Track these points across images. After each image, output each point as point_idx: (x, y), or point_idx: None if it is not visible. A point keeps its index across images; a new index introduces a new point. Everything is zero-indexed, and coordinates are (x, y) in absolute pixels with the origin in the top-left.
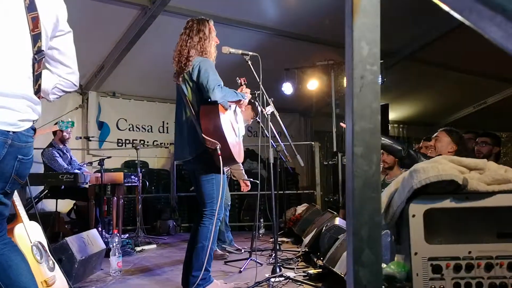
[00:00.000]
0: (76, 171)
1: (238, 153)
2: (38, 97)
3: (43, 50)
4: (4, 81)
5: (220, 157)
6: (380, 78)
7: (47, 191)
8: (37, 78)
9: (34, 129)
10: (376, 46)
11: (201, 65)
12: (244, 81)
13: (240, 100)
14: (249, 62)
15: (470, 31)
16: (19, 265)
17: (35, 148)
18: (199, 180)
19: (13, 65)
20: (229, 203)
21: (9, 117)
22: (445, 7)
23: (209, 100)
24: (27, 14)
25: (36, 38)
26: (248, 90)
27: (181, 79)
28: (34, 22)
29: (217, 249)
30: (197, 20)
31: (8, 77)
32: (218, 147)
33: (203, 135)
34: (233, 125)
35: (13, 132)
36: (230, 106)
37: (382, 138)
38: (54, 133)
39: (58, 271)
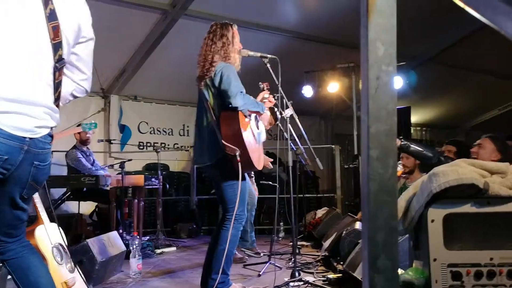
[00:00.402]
0: (101, 172)
1: (258, 159)
2: (57, 105)
3: (64, 58)
4: (23, 88)
5: (239, 163)
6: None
7: (69, 193)
8: (57, 86)
9: (51, 136)
10: (392, 47)
11: (224, 71)
12: (266, 86)
13: (260, 112)
14: (268, 65)
15: (494, 32)
16: (37, 267)
17: (59, 151)
18: (220, 185)
19: (32, 73)
20: (255, 202)
21: (25, 123)
22: (460, 4)
23: (230, 106)
24: (47, 23)
25: (56, 46)
26: (271, 97)
27: (203, 84)
28: (55, 31)
29: (237, 253)
30: (220, 24)
31: (27, 85)
32: (237, 154)
33: (223, 141)
34: (254, 131)
35: (30, 138)
36: (250, 115)
37: (412, 145)
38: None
39: (78, 273)
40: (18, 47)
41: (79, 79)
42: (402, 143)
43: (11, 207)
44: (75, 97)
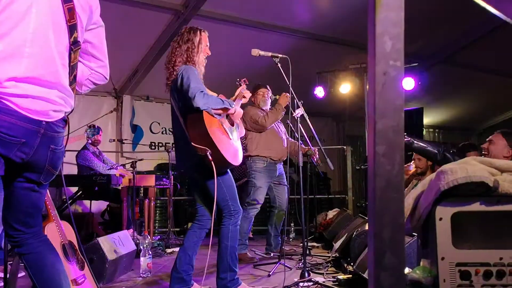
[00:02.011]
0: (113, 171)
1: (234, 155)
2: (73, 88)
3: (79, 41)
4: (40, 70)
5: (212, 162)
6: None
7: (81, 192)
8: (72, 68)
9: (65, 121)
10: (399, 41)
11: (184, 73)
12: (244, 82)
13: (227, 109)
14: (279, 65)
15: (508, 33)
16: (54, 264)
17: (70, 150)
18: (205, 188)
19: (49, 55)
20: (284, 208)
21: (42, 106)
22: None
23: (193, 107)
24: (63, 5)
25: (72, 28)
26: (247, 92)
27: (169, 88)
28: (70, 13)
29: (247, 253)
30: (189, 28)
31: (44, 67)
32: (208, 153)
33: (192, 143)
34: (226, 127)
35: (46, 122)
36: (221, 114)
37: (415, 141)
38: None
39: (87, 271)
40: (35, 28)
41: (96, 67)
42: (406, 139)
43: (28, 194)
44: (95, 84)
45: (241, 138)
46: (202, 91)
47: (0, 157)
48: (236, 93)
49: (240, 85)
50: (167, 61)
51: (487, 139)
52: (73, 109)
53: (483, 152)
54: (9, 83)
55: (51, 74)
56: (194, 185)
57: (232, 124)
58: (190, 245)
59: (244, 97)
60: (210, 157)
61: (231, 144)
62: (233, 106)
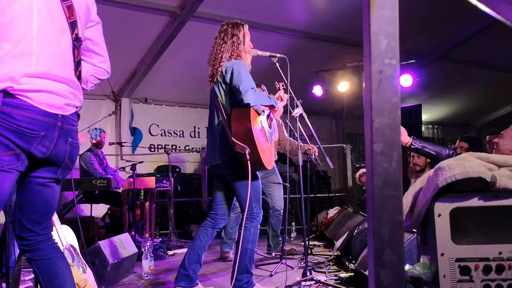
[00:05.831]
0: (110, 176)
1: (269, 159)
2: (80, 83)
3: (80, 37)
4: (49, 65)
5: (248, 162)
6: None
7: (81, 196)
8: (77, 64)
9: (78, 115)
10: (394, 39)
11: (234, 67)
12: (282, 85)
13: (273, 106)
14: (277, 64)
15: (505, 28)
16: (64, 273)
17: None
18: (233, 185)
19: (55, 51)
20: (277, 208)
21: (56, 100)
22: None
23: (242, 103)
24: (62, 3)
25: (73, 25)
26: (286, 96)
27: (214, 81)
28: (70, 10)
29: (230, 252)
30: (231, 24)
31: (53, 62)
32: (247, 152)
33: (233, 139)
34: (266, 130)
35: (61, 115)
36: (263, 111)
37: (426, 146)
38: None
39: (89, 274)
40: (38, 26)
41: (98, 62)
42: (413, 147)
43: (43, 190)
44: (99, 79)
45: None
46: (253, 88)
47: (22, 153)
48: (276, 96)
49: (279, 89)
50: (213, 58)
51: (500, 133)
52: (82, 104)
53: (494, 147)
54: (24, 80)
55: (60, 69)
56: (219, 181)
57: (270, 127)
58: (200, 244)
59: (282, 100)
60: (248, 157)
61: (268, 148)
62: (278, 104)
